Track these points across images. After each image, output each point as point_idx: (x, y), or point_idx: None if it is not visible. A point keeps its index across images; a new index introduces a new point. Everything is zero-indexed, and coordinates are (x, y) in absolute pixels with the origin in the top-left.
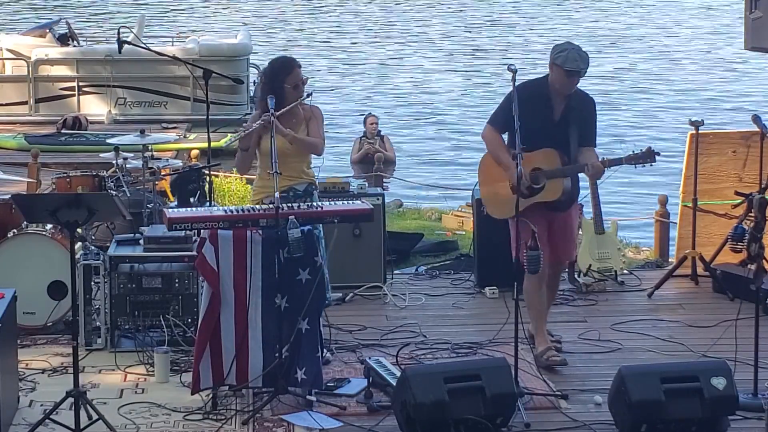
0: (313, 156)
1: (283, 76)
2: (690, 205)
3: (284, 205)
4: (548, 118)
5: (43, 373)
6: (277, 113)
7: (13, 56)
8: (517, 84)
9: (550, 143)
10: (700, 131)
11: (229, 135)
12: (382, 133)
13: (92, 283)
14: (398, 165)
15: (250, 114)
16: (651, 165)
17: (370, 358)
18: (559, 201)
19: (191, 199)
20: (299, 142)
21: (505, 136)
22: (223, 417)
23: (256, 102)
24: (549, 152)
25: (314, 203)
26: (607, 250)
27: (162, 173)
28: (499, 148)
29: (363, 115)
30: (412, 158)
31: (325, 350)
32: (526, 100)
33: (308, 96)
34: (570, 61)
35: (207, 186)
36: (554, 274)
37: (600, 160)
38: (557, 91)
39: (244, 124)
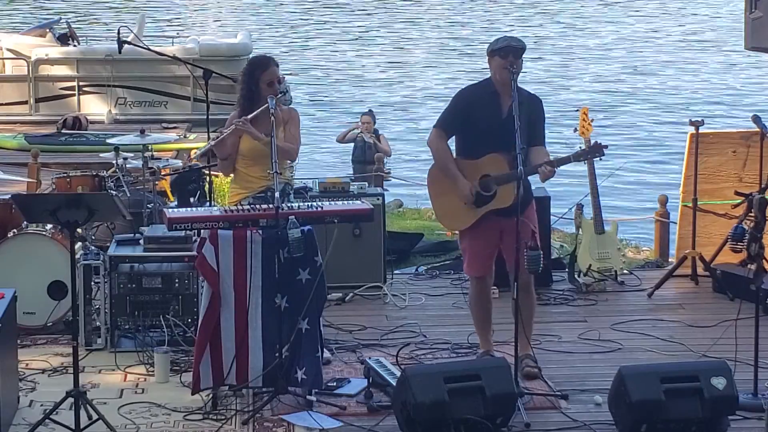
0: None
1: (259, 72)
2: (690, 205)
3: (284, 205)
4: (496, 115)
5: (43, 373)
6: (250, 116)
7: (13, 56)
8: (462, 88)
9: (499, 142)
10: (700, 131)
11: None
12: (379, 132)
13: (92, 283)
14: (398, 165)
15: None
16: (600, 159)
17: (370, 358)
18: (513, 206)
19: (191, 199)
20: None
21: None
22: (223, 417)
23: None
24: (495, 157)
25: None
26: (607, 250)
27: (162, 173)
28: (445, 159)
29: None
30: (412, 158)
31: (325, 350)
32: (473, 101)
33: (283, 94)
34: (500, 42)
35: (207, 186)
36: (525, 283)
37: (548, 161)
38: (502, 84)
39: (218, 130)
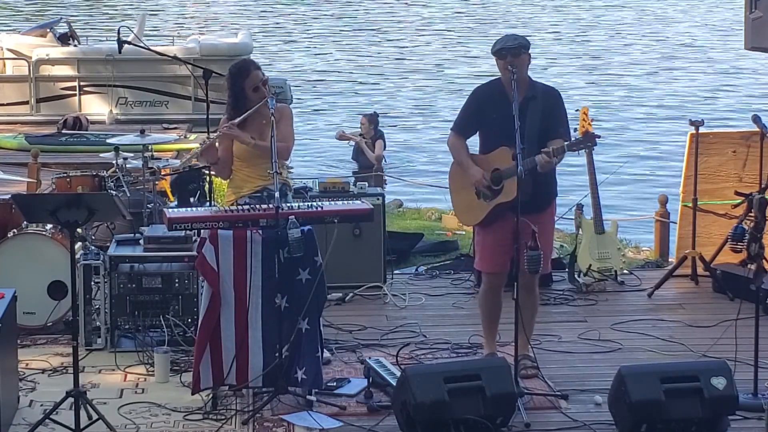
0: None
1: (242, 80)
2: (690, 205)
3: (284, 205)
4: (507, 112)
5: (43, 373)
6: (236, 120)
7: (14, 56)
8: (474, 87)
9: (511, 138)
10: (700, 131)
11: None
12: (378, 137)
13: (92, 283)
14: (401, 165)
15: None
16: (593, 148)
17: (370, 358)
18: (524, 202)
19: (191, 199)
20: (262, 149)
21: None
22: (223, 417)
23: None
24: (503, 151)
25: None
26: (607, 250)
27: (162, 173)
28: (460, 152)
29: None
30: (413, 157)
31: (325, 350)
32: (485, 100)
33: (273, 96)
34: (497, 43)
35: (207, 186)
36: (527, 283)
37: (544, 150)
38: (508, 83)
39: (205, 138)
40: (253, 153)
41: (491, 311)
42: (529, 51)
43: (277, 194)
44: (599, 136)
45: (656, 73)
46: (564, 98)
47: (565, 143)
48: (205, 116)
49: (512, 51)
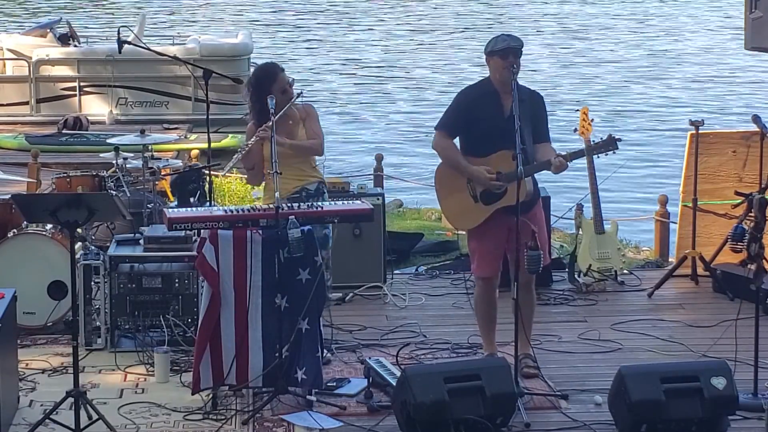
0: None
1: (269, 84)
2: (690, 205)
3: (284, 204)
4: (499, 114)
5: (43, 373)
6: (270, 123)
7: (14, 56)
8: (462, 89)
9: (503, 141)
10: (700, 131)
11: (227, 161)
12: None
13: (92, 283)
14: (399, 165)
15: (249, 114)
16: (614, 152)
17: (370, 358)
18: (522, 203)
19: (191, 199)
20: (298, 149)
21: (457, 142)
22: (223, 417)
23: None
24: (505, 154)
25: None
26: (607, 250)
27: (162, 173)
28: (454, 155)
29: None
30: (414, 158)
31: (325, 350)
32: (474, 101)
33: (298, 96)
34: (500, 42)
35: (207, 186)
36: (526, 282)
37: (561, 154)
38: (502, 84)
39: (242, 145)
40: (286, 154)
41: (489, 313)
42: None
43: (277, 194)
44: (620, 140)
45: (656, 73)
46: (564, 98)
47: (585, 148)
48: (205, 116)
49: (516, 51)
